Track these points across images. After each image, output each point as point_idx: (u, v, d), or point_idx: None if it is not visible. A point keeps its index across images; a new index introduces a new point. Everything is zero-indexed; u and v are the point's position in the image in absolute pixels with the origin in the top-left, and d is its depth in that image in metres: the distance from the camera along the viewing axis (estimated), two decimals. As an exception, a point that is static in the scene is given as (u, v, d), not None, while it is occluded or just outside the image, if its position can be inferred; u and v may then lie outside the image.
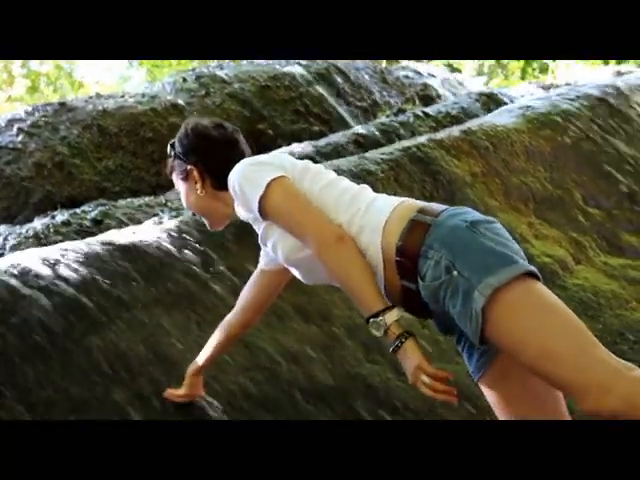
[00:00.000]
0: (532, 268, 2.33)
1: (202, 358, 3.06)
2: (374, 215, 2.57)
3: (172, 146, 2.89)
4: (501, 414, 2.67)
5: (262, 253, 2.99)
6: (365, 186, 2.74)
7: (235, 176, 2.70)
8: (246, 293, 3.07)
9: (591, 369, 2.27)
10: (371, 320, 2.41)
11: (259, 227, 2.74)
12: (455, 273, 2.37)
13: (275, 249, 2.73)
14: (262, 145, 5.36)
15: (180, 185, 2.89)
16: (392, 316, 2.40)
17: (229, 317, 3.07)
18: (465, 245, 2.39)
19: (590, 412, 2.24)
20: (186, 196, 2.88)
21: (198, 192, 2.83)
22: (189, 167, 2.83)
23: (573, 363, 2.28)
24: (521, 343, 2.32)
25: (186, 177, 2.85)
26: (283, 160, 2.74)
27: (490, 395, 2.68)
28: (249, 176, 2.66)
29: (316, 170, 2.73)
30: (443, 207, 2.54)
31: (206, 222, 2.94)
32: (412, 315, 2.68)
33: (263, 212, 2.59)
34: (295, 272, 2.83)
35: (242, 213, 2.80)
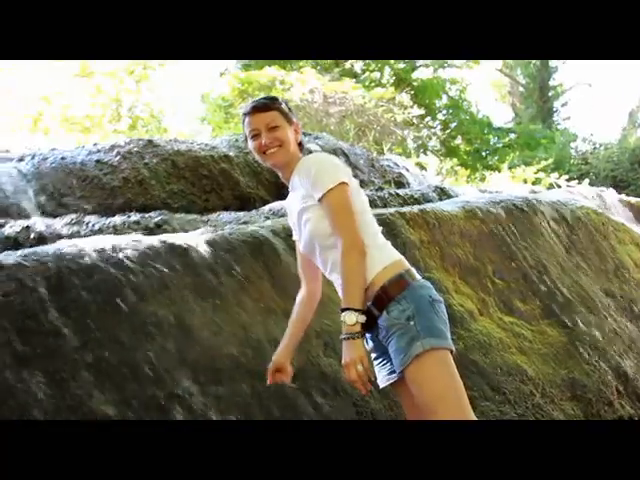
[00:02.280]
0: (452, 346, 2.49)
1: (285, 349, 2.87)
2: (385, 255, 2.59)
3: (276, 101, 2.73)
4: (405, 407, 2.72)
5: (292, 228, 2.86)
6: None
7: (314, 161, 2.65)
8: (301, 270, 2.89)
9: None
10: (348, 310, 2.43)
11: (300, 202, 2.63)
12: (412, 323, 2.45)
13: (304, 222, 2.64)
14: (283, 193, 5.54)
15: (284, 126, 2.67)
16: (362, 317, 2.43)
17: (297, 307, 2.90)
18: (425, 312, 2.47)
19: None
20: (286, 132, 2.68)
21: (294, 137, 2.70)
22: (295, 120, 2.74)
23: (450, 412, 2.41)
24: (424, 387, 2.43)
25: (291, 123, 2.70)
26: (349, 173, 2.65)
27: (398, 396, 2.76)
28: (328, 169, 2.58)
29: (362, 197, 2.67)
30: (419, 276, 2.61)
31: (273, 157, 2.69)
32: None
33: (323, 198, 2.53)
34: (301, 242, 2.73)
35: (295, 181, 2.68)
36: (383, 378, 2.68)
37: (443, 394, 2.43)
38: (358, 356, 2.41)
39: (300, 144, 2.75)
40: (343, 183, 2.55)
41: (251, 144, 2.71)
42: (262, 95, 2.86)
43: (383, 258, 2.60)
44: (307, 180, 2.59)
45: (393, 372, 2.61)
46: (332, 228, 2.53)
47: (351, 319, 2.42)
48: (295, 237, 2.86)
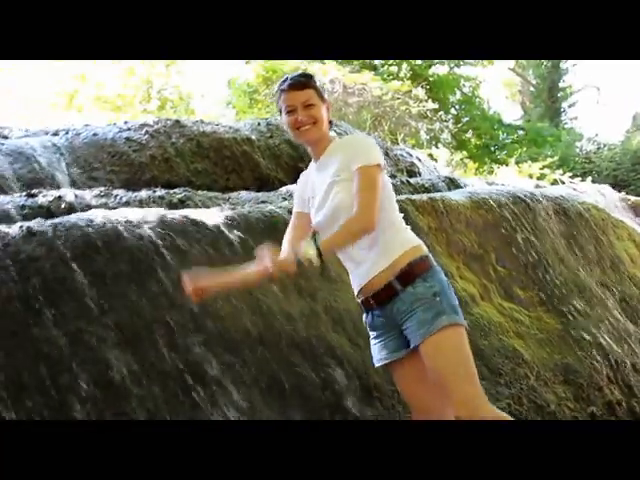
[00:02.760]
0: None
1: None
2: (411, 236, 2.63)
3: (312, 79, 2.68)
4: (402, 388, 2.73)
5: (298, 201, 2.81)
6: None
7: (363, 137, 2.85)
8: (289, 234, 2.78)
9: (471, 391, 2.47)
10: (317, 249, 2.41)
11: (332, 175, 2.60)
12: (438, 299, 2.48)
13: (334, 194, 2.58)
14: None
15: (319, 104, 2.62)
16: (317, 262, 2.43)
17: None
18: (448, 291, 2.54)
19: (464, 417, 2.42)
20: (320, 111, 2.63)
21: (326, 115, 2.65)
22: (327, 99, 2.70)
23: (462, 384, 2.46)
24: (443, 357, 2.46)
25: (324, 101, 2.65)
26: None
27: (397, 374, 2.70)
28: (374, 148, 2.58)
29: (389, 184, 2.68)
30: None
31: (307, 134, 2.64)
32: (372, 298, 2.59)
33: (360, 169, 2.52)
34: (320, 214, 2.65)
35: (330, 156, 2.64)
36: (386, 355, 2.66)
37: (459, 365, 2.48)
38: (279, 269, 2.41)
39: (330, 122, 2.72)
40: (380, 166, 2.55)
41: (286, 119, 2.66)
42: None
43: (410, 239, 2.63)
44: (351, 150, 2.58)
45: (396, 350, 2.62)
46: (355, 198, 2.50)
47: (312, 254, 2.41)
48: (299, 209, 2.81)
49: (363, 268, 2.62)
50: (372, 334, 2.69)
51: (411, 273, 2.53)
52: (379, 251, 2.58)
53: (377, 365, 2.72)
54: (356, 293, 2.71)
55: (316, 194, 2.71)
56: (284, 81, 2.68)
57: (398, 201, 2.75)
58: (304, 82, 2.64)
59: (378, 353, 2.68)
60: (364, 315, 2.72)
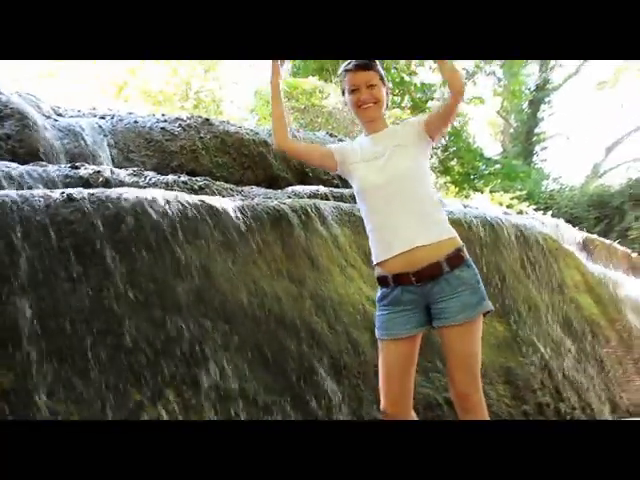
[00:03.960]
0: None
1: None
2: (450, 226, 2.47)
3: (375, 62, 2.53)
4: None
5: (338, 148, 2.62)
6: None
7: None
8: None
9: (479, 375, 2.36)
10: None
11: (394, 143, 2.46)
12: (480, 286, 2.36)
13: (398, 156, 2.44)
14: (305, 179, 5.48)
15: (380, 86, 2.50)
16: None
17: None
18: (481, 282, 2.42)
19: (472, 395, 2.33)
20: (381, 91, 2.51)
21: (387, 97, 2.54)
22: (387, 83, 2.58)
23: (478, 367, 2.36)
24: (475, 340, 2.33)
25: (384, 84, 2.52)
26: None
27: (399, 351, 2.42)
28: None
29: None
30: None
31: (367, 111, 2.51)
32: (414, 275, 2.34)
33: (433, 136, 2.48)
34: (378, 167, 2.45)
35: (395, 127, 2.54)
36: (410, 328, 2.40)
37: (480, 349, 2.39)
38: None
39: (386, 105, 2.58)
40: None
41: (349, 98, 2.52)
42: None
43: (452, 228, 2.48)
44: (408, 122, 2.55)
45: (419, 326, 2.41)
46: (444, 119, 2.48)
47: None
48: (334, 150, 2.64)
49: (404, 235, 2.37)
50: (391, 308, 2.41)
51: (460, 258, 2.36)
52: (427, 225, 2.39)
53: (396, 337, 2.40)
54: (384, 259, 2.42)
55: (378, 157, 2.49)
56: (349, 62, 2.53)
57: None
58: (368, 64, 2.50)
59: (403, 325, 2.39)
60: (385, 289, 2.43)
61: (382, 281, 2.45)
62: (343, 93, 2.59)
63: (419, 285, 2.35)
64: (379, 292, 2.48)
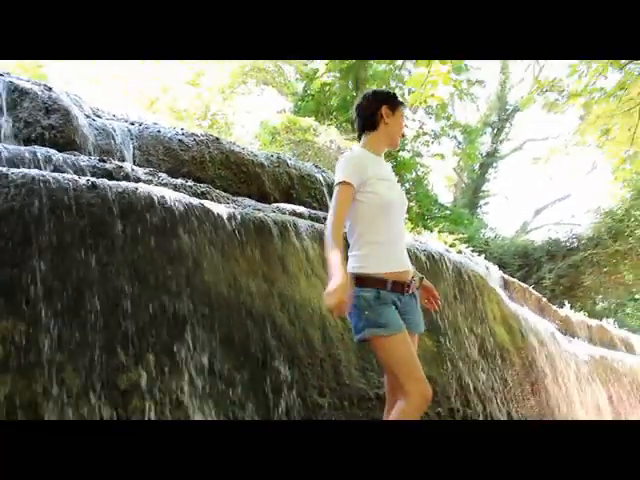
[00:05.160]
0: None
1: (341, 272, 2.10)
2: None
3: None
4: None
5: (356, 178, 2.28)
6: None
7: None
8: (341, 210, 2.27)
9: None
10: None
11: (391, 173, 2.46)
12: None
13: (398, 185, 2.42)
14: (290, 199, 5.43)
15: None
16: None
17: (333, 233, 2.20)
18: None
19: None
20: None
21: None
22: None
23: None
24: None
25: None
26: None
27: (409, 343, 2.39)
28: None
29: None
30: None
31: (398, 142, 2.51)
32: (408, 286, 2.39)
33: None
34: (398, 202, 2.35)
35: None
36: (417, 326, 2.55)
37: None
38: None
39: None
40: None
41: (399, 128, 2.49)
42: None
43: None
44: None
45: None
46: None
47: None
48: (355, 182, 2.32)
49: (405, 254, 2.43)
50: (391, 307, 2.34)
51: (412, 285, 2.46)
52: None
53: (404, 329, 2.35)
54: (393, 270, 2.34)
55: (390, 178, 2.43)
56: (401, 99, 2.49)
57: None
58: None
59: (417, 324, 2.52)
60: (382, 291, 2.31)
61: (379, 283, 2.33)
62: (381, 117, 2.42)
63: (404, 294, 2.41)
64: (372, 292, 2.32)
